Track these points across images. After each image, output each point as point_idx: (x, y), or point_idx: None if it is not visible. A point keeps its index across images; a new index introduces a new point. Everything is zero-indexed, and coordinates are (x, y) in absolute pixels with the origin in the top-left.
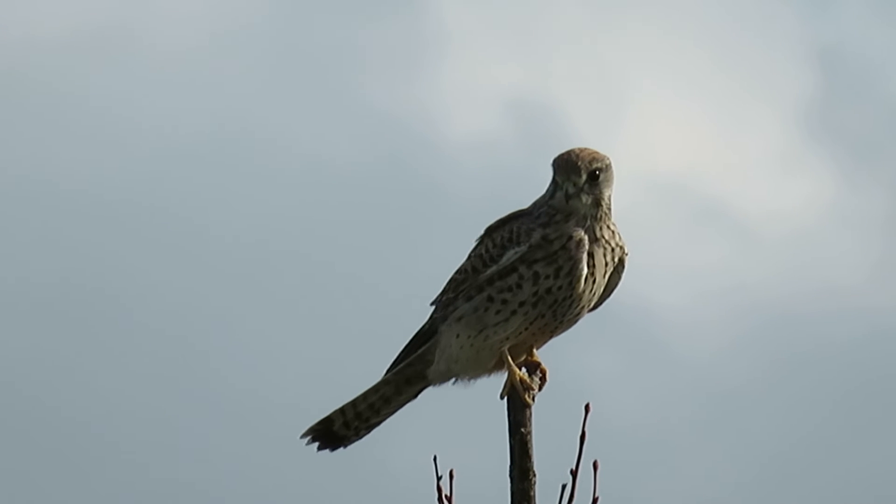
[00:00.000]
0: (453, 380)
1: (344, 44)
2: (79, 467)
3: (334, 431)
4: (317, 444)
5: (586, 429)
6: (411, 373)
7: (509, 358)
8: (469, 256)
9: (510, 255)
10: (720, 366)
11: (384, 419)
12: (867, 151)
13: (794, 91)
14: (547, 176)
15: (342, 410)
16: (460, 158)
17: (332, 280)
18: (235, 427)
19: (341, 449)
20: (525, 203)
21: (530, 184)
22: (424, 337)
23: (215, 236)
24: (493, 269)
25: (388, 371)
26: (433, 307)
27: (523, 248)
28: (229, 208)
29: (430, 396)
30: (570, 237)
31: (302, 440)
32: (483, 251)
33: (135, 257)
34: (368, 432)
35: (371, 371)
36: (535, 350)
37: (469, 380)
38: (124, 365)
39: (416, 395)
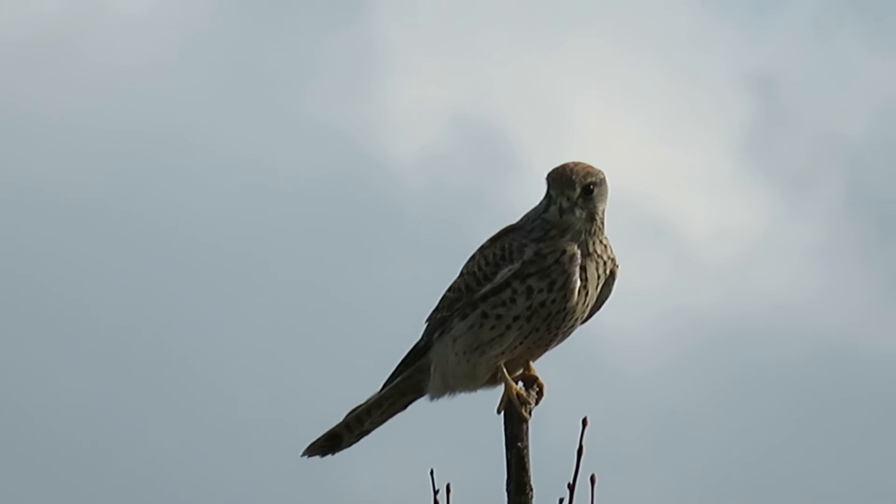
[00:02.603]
0: (449, 394)
1: (289, 58)
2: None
3: (338, 444)
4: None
5: (584, 443)
6: (406, 386)
7: (506, 372)
8: (461, 274)
9: (504, 273)
10: (664, 386)
11: (375, 428)
12: (805, 177)
13: (735, 113)
14: (494, 193)
15: (347, 425)
16: (406, 175)
17: (275, 297)
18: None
19: (330, 455)
20: (471, 221)
21: (477, 201)
22: (419, 353)
23: (157, 245)
24: (487, 287)
25: (385, 385)
26: (427, 324)
27: (516, 265)
28: (171, 218)
29: (427, 410)
30: (564, 251)
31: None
32: (476, 269)
33: (70, 264)
34: (358, 440)
35: (304, 383)
36: (531, 364)
37: (467, 391)
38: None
39: (405, 407)
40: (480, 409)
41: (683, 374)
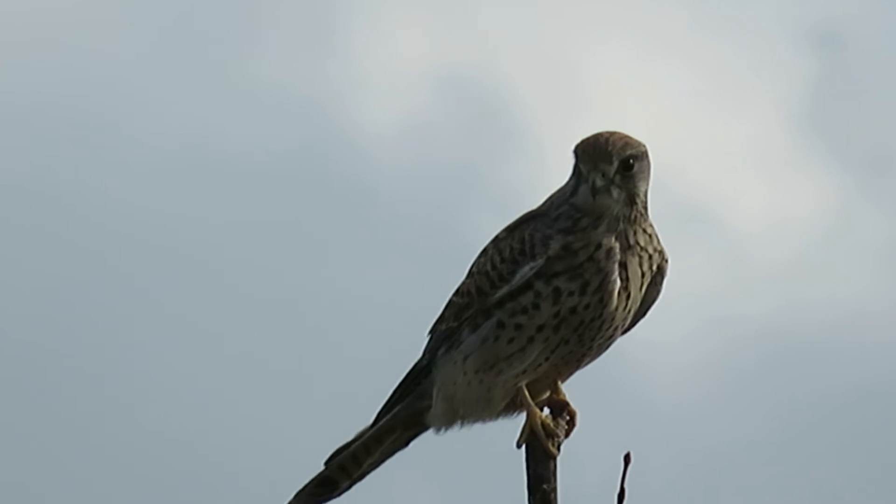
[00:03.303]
0: (458, 424)
1: (234, 6)
2: None
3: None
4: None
5: (626, 485)
6: (406, 417)
7: (528, 396)
8: (471, 272)
9: (524, 272)
10: (705, 415)
11: (373, 470)
12: (880, 156)
13: (794, 77)
14: (490, 172)
15: (342, 467)
16: (382, 149)
17: (221, 302)
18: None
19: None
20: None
21: (470, 180)
22: (420, 374)
23: (81, 225)
24: (505, 290)
25: (379, 415)
26: (429, 337)
27: (539, 261)
28: (99, 195)
29: (432, 446)
30: (599, 245)
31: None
32: (489, 267)
33: None
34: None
35: (259, 414)
36: (560, 385)
37: (481, 421)
38: None
39: (407, 443)
40: (497, 442)
41: (730, 401)
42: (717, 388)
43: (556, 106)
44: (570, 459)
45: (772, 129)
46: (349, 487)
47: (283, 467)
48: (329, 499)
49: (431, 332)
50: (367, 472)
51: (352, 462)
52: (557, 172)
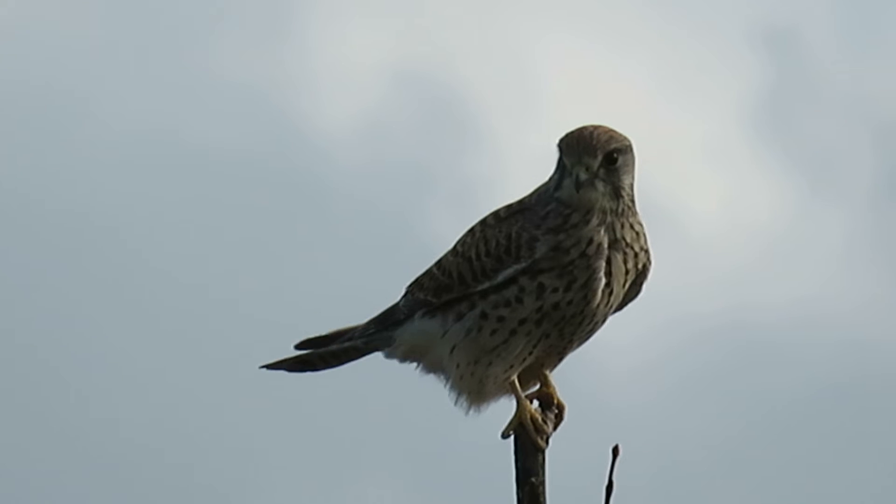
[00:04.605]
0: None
1: (193, 3)
2: None
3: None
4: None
5: (614, 477)
6: (372, 347)
7: (519, 389)
8: (455, 251)
9: (508, 273)
10: (662, 417)
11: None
12: (835, 155)
13: (748, 76)
14: (448, 170)
15: (322, 357)
16: (338, 147)
17: (175, 304)
18: None
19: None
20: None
21: (427, 179)
22: (398, 323)
23: (23, 237)
24: (486, 285)
25: (354, 336)
26: (406, 292)
27: (524, 263)
28: (39, 202)
29: (419, 438)
30: (591, 241)
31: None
32: (474, 255)
33: None
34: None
35: (211, 390)
36: (549, 377)
37: (475, 410)
38: None
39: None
40: (483, 431)
41: (686, 402)
42: (671, 389)
43: (513, 102)
44: (560, 453)
45: (729, 129)
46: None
47: None
48: (304, 371)
49: (409, 290)
50: (345, 363)
51: (332, 357)
52: (514, 169)
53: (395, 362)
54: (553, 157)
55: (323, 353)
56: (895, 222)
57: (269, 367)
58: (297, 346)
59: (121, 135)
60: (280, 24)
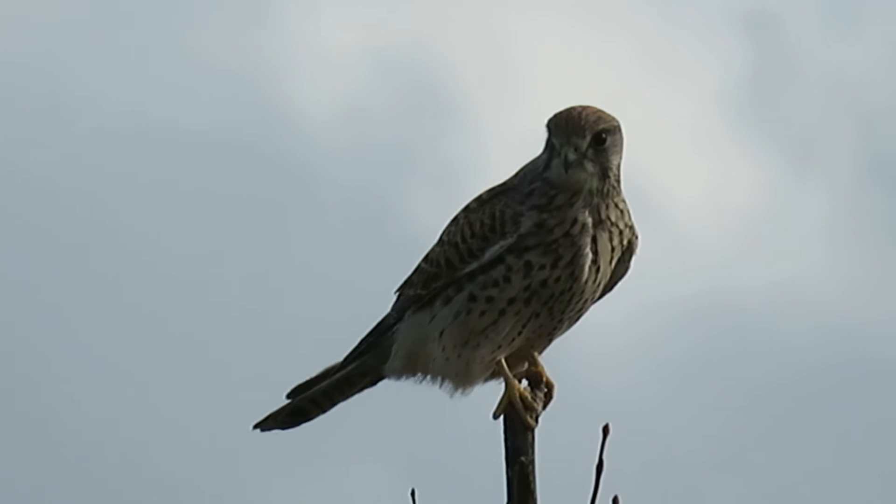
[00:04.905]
0: (415, 378)
1: None
2: None
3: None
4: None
5: (604, 457)
6: (376, 363)
7: (506, 369)
8: (441, 241)
9: (494, 251)
10: (644, 400)
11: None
12: (816, 138)
13: (729, 59)
14: (429, 152)
15: (314, 401)
16: (320, 131)
17: (153, 291)
18: None
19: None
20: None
21: (409, 161)
22: (390, 329)
23: (12, 201)
24: (474, 265)
25: (347, 361)
26: (397, 296)
27: (510, 240)
28: (16, 184)
29: (407, 416)
30: (575, 221)
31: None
32: (459, 239)
33: None
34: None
35: (191, 398)
36: (537, 357)
37: (461, 393)
38: None
39: (375, 384)
40: (473, 411)
41: (667, 386)
42: (655, 373)
43: (495, 85)
44: (550, 432)
45: (711, 113)
46: (318, 416)
47: None
48: (298, 425)
49: (399, 292)
50: (339, 403)
51: (323, 398)
52: (496, 150)
53: (394, 380)
54: (534, 138)
55: (314, 395)
56: (878, 205)
57: (263, 427)
58: (289, 395)
59: (101, 119)
60: (260, 8)
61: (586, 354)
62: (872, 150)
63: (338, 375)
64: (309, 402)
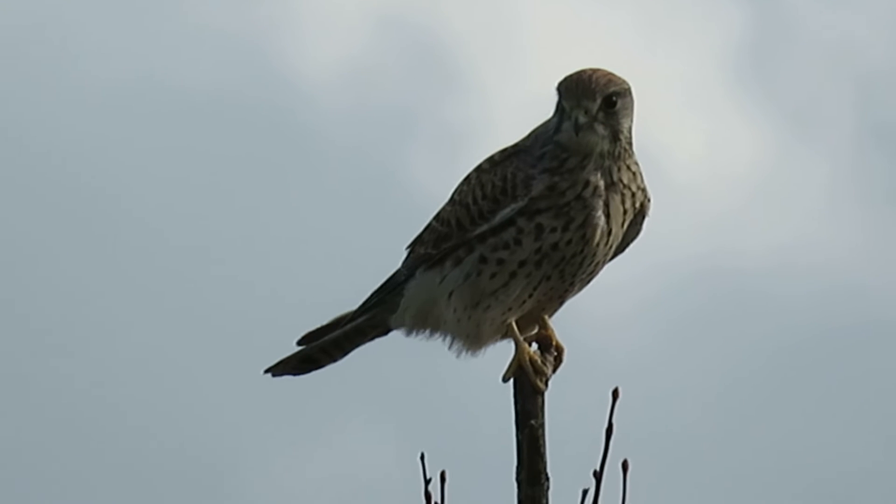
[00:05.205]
0: (424, 333)
1: None
2: None
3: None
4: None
5: (614, 420)
6: (378, 321)
7: (517, 331)
8: (452, 200)
9: (505, 213)
10: (647, 361)
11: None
12: (815, 102)
13: (725, 23)
14: (432, 114)
15: (323, 349)
16: (322, 93)
17: (157, 255)
18: None
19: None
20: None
21: (412, 124)
22: (401, 285)
23: (14, 167)
24: (485, 227)
25: (357, 313)
26: (407, 252)
27: (521, 203)
28: (17, 148)
29: (416, 379)
30: (587, 183)
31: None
32: (470, 200)
33: None
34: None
35: (192, 339)
36: (548, 320)
37: (471, 354)
38: None
39: (387, 333)
40: (482, 374)
41: (671, 349)
42: (656, 335)
43: (497, 49)
44: (559, 395)
45: (711, 76)
46: (329, 364)
47: None
48: (309, 371)
49: (409, 249)
50: (350, 352)
51: (334, 347)
52: (498, 115)
53: (403, 335)
54: (535, 102)
55: (325, 344)
56: (878, 168)
57: (274, 372)
58: (299, 342)
59: (104, 81)
60: None
61: (590, 316)
62: (872, 112)
63: (348, 327)
64: (319, 350)
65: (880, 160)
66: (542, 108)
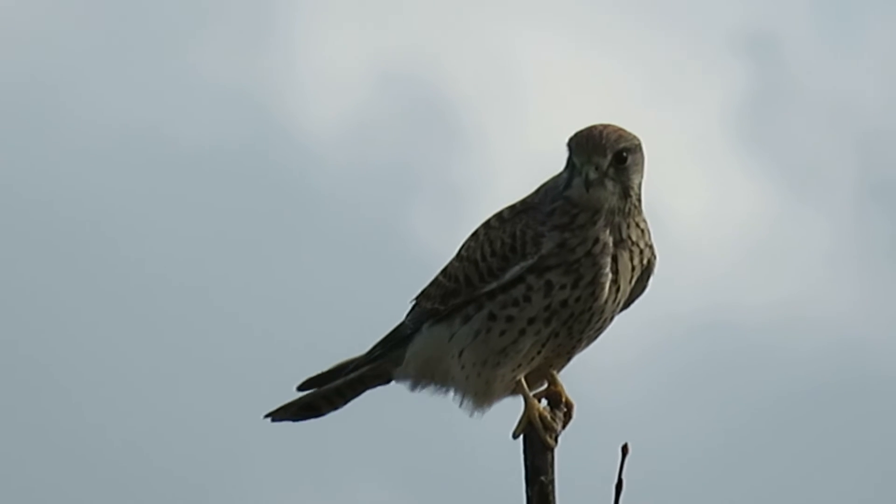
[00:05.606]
0: (427, 388)
1: (177, 2)
2: None
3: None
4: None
5: (623, 475)
6: (380, 371)
7: (526, 388)
8: (460, 256)
9: (515, 271)
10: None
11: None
12: (817, 160)
13: (729, 81)
14: (434, 171)
15: (326, 398)
16: (324, 149)
17: (156, 305)
18: None
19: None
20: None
21: (413, 180)
22: (405, 339)
23: (14, 216)
24: (494, 285)
25: (357, 366)
26: (412, 305)
27: (531, 260)
28: (33, 188)
29: (424, 433)
30: (597, 240)
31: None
32: (479, 257)
33: None
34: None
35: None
36: (556, 376)
37: (481, 412)
38: None
39: (389, 382)
40: (493, 431)
41: (669, 403)
42: (654, 389)
43: (498, 105)
44: (569, 451)
45: (713, 132)
46: (330, 412)
47: None
48: (310, 418)
49: (415, 302)
50: (350, 401)
51: (335, 394)
52: (500, 171)
53: (406, 388)
54: (537, 158)
55: (327, 392)
56: (878, 224)
57: (274, 417)
58: (300, 388)
59: (106, 136)
60: (264, 25)
61: (591, 367)
62: (873, 169)
63: (350, 377)
64: (321, 398)
65: (881, 217)
66: (544, 164)
